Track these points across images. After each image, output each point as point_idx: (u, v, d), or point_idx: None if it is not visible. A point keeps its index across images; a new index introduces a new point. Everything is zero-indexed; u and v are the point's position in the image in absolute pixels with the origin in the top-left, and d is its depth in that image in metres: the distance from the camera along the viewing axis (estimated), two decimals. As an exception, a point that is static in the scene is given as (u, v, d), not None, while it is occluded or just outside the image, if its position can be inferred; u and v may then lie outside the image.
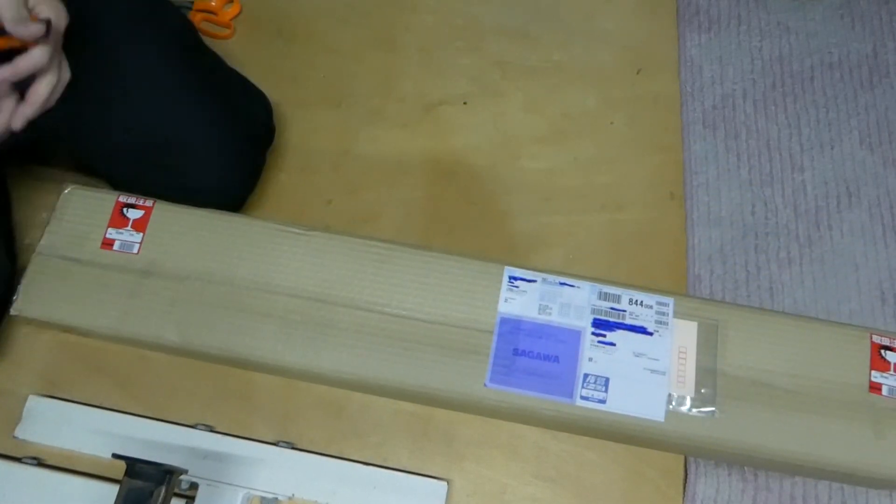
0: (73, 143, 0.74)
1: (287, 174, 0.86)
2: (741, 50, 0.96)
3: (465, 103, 0.92)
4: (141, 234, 0.71)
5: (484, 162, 0.88)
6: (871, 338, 0.69)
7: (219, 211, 0.74)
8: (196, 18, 0.94)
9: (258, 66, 0.92)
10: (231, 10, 0.94)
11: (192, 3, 0.94)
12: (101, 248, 0.71)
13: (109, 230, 0.71)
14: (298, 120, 0.89)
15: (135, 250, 0.71)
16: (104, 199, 0.73)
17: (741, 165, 0.89)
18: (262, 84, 0.91)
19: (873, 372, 0.68)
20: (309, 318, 0.68)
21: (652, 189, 0.87)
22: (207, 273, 0.70)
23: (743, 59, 0.95)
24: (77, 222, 0.72)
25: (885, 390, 0.67)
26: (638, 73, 0.94)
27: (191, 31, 0.77)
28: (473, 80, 0.93)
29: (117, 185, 0.76)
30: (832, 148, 0.90)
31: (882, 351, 0.69)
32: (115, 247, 0.71)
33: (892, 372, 0.68)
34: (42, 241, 0.71)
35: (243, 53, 0.93)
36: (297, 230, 0.72)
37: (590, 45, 0.96)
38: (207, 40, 0.93)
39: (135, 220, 0.72)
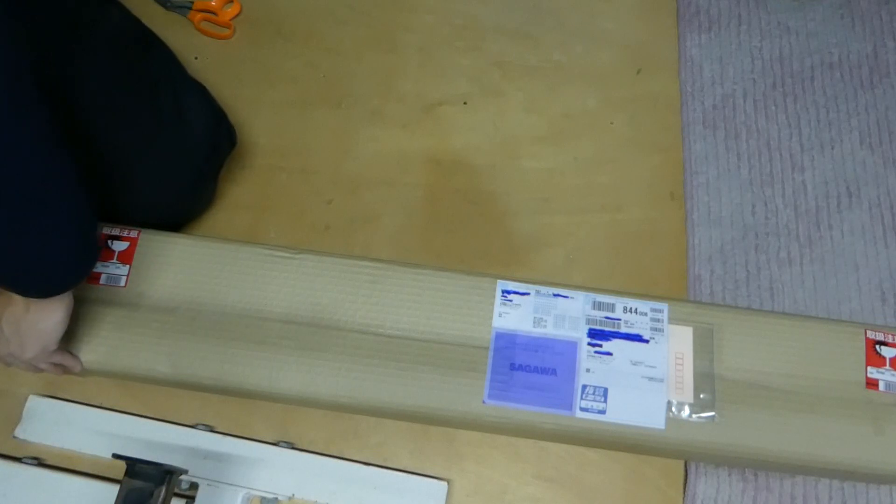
0: None
1: (287, 174, 0.86)
2: (741, 50, 0.96)
3: (465, 103, 0.92)
4: (127, 266, 0.70)
5: (484, 162, 0.88)
6: (866, 333, 0.69)
7: (206, 238, 0.72)
8: (196, 18, 0.94)
9: (258, 66, 0.92)
10: (231, 10, 0.94)
11: (192, 3, 0.94)
12: (87, 282, 0.69)
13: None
14: (298, 120, 0.89)
15: (122, 283, 0.69)
16: None
17: (741, 165, 0.89)
18: (262, 84, 0.91)
19: (869, 368, 0.68)
20: (303, 344, 0.68)
21: (652, 189, 0.87)
22: (197, 303, 0.69)
23: (743, 59, 0.95)
24: None
25: (881, 385, 0.67)
26: (638, 73, 0.94)
27: (129, 45, 0.73)
28: (473, 80, 0.93)
29: None
30: (832, 148, 0.90)
31: (877, 346, 0.69)
32: (102, 280, 0.69)
33: (888, 367, 0.68)
34: None
35: (243, 53, 0.93)
36: (286, 254, 0.71)
37: (590, 45, 0.96)
38: (207, 40, 0.94)
39: (120, 253, 0.70)
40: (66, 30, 0.66)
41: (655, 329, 0.69)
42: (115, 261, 0.70)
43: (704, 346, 0.68)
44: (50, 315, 0.59)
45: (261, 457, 0.70)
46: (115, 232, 0.71)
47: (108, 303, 0.69)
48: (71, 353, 0.65)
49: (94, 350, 0.68)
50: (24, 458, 0.69)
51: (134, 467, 0.56)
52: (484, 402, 0.66)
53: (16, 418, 0.71)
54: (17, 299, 0.58)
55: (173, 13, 0.95)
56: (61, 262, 0.56)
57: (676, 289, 0.82)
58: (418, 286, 0.70)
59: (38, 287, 0.56)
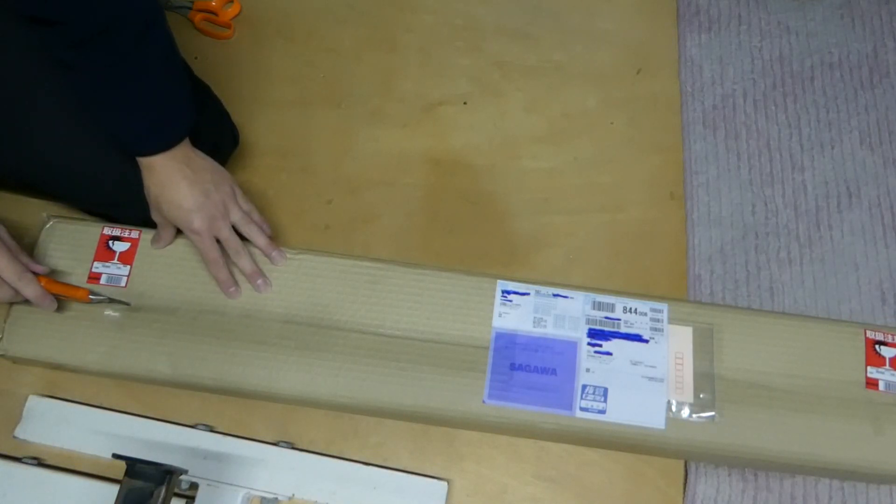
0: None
1: (287, 174, 0.86)
2: (741, 50, 0.96)
3: (465, 103, 0.91)
4: (128, 266, 0.70)
5: (484, 162, 0.88)
6: (866, 333, 0.69)
7: None
8: (196, 18, 0.94)
9: (258, 66, 0.92)
10: (231, 10, 0.94)
11: (192, 2, 0.94)
12: (88, 282, 0.69)
13: (95, 264, 0.70)
14: (298, 120, 0.89)
15: (122, 283, 0.69)
16: (88, 232, 0.71)
17: (741, 165, 0.89)
18: (262, 84, 0.91)
19: (869, 368, 0.68)
20: (303, 344, 0.68)
21: (652, 189, 0.87)
22: (198, 303, 0.69)
23: (743, 59, 0.95)
24: (61, 257, 0.70)
25: (881, 385, 0.67)
26: (638, 73, 0.94)
27: None
28: (473, 80, 0.93)
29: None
30: (832, 148, 0.90)
31: (877, 346, 0.69)
32: (102, 281, 0.69)
33: (887, 367, 0.68)
34: None
35: (243, 53, 0.93)
36: (287, 254, 0.71)
37: (590, 45, 0.96)
38: (207, 40, 0.94)
39: (121, 253, 0.70)
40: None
41: (655, 329, 0.69)
42: (115, 261, 0.70)
43: (704, 346, 0.68)
44: (203, 154, 0.67)
45: (261, 457, 0.70)
46: (116, 232, 0.71)
47: (108, 303, 0.69)
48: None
49: (94, 350, 0.68)
50: (24, 458, 0.69)
51: (134, 467, 0.55)
52: (484, 402, 0.66)
53: (16, 418, 0.71)
54: (172, 166, 0.64)
55: (173, 13, 0.95)
56: (189, 89, 0.67)
57: (676, 289, 0.82)
58: (418, 286, 0.70)
59: (186, 122, 0.65)
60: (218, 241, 0.67)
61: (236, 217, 0.68)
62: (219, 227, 0.67)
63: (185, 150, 0.65)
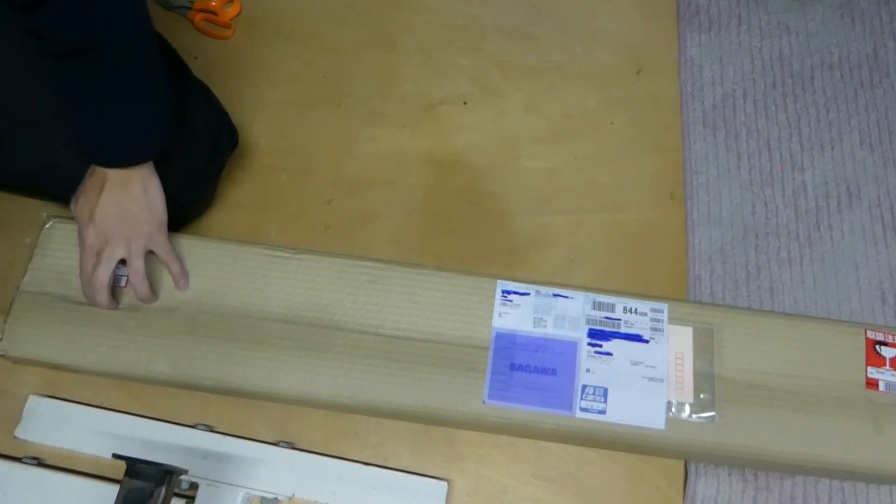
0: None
1: (287, 174, 0.86)
2: (741, 50, 0.96)
3: (465, 103, 0.91)
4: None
5: (484, 162, 0.88)
6: (866, 333, 0.69)
7: (206, 238, 0.73)
8: (196, 18, 0.94)
9: (258, 66, 0.92)
10: (231, 10, 0.94)
11: (192, 3, 0.94)
12: None
13: None
14: (298, 120, 0.89)
15: (122, 283, 0.69)
16: None
17: (741, 165, 0.89)
18: (262, 84, 0.91)
19: (869, 368, 0.68)
20: (303, 344, 0.68)
21: (652, 189, 0.87)
22: (198, 302, 0.69)
23: (743, 59, 0.95)
24: (61, 257, 0.70)
25: (881, 386, 0.67)
26: (638, 73, 0.94)
27: None
28: (473, 80, 0.93)
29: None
30: (832, 148, 0.90)
31: (877, 346, 0.69)
32: None
33: (887, 367, 0.68)
34: (26, 279, 0.69)
35: (243, 53, 0.93)
36: (286, 254, 0.71)
37: (590, 45, 0.96)
38: (207, 40, 0.94)
39: None
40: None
41: (655, 329, 0.69)
42: None
43: (704, 346, 0.68)
44: (154, 180, 0.65)
45: (261, 457, 0.70)
46: None
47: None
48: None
49: (94, 350, 0.68)
50: (24, 458, 0.69)
51: (134, 467, 0.55)
52: (484, 402, 0.66)
53: (16, 418, 0.71)
54: (115, 179, 0.62)
55: (173, 13, 0.95)
56: (161, 119, 0.64)
57: (676, 289, 0.82)
58: (418, 286, 0.70)
59: (152, 142, 0.63)
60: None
61: (131, 256, 0.65)
62: (104, 248, 0.64)
63: (137, 175, 0.63)
